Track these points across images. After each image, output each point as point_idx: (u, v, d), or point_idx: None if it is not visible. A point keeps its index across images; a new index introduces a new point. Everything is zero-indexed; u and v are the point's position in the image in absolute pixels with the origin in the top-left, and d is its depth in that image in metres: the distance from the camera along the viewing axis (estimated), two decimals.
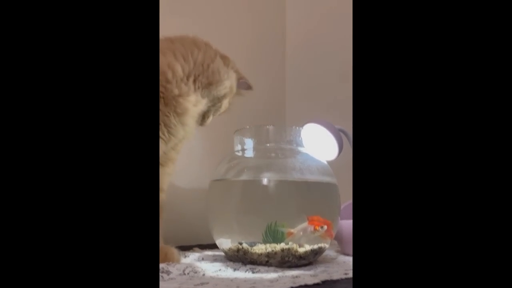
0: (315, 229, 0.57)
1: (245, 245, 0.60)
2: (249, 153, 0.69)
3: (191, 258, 0.67)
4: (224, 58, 0.68)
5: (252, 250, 0.59)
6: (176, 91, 0.60)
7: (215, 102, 0.66)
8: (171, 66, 0.60)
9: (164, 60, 0.60)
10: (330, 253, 0.75)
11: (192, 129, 0.64)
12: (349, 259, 0.68)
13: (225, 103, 0.68)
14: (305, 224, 0.58)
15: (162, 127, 0.60)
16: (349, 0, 1.10)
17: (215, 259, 0.66)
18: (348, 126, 0.85)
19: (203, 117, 0.67)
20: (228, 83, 0.66)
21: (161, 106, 0.59)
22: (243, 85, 0.71)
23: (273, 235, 0.60)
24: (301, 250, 0.59)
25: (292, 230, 0.58)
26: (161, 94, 0.59)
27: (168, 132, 0.61)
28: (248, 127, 0.74)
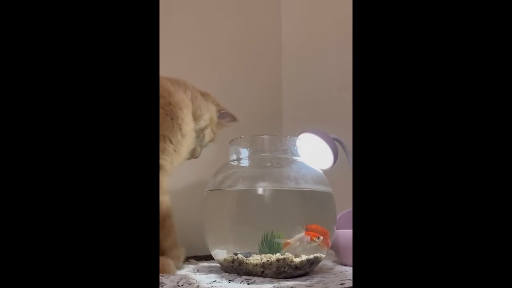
0: (311, 240, 0.57)
1: (240, 256, 0.59)
2: (245, 163, 0.69)
3: (186, 269, 0.66)
4: (204, 95, 0.75)
5: (248, 261, 0.58)
6: (189, 126, 0.67)
7: (198, 134, 0.73)
8: (185, 102, 0.67)
9: (179, 96, 0.67)
10: (327, 263, 0.75)
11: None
12: (346, 269, 0.67)
13: (208, 133, 0.74)
14: (301, 235, 0.58)
15: (171, 152, 0.65)
16: (345, 9, 1.11)
17: (210, 270, 0.65)
18: (344, 135, 0.85)
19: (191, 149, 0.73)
20: (208, 115, 0.73)
21: (179, 136, 0.65)
22: (225, 115, 0.78)
23: (269, 245, 0.60)
24: (297, 260, 0.58)
25: (289, 240, 0.58)
26: (179, 126, 0.65)
27: (174, 154, 0.66)
28: (243, 136, 0.74)
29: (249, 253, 0.60)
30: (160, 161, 0.63)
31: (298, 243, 0.58)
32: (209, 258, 0.73)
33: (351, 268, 0.68)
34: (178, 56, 0.95)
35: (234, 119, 0.78)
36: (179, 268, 0.65)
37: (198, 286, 0.52)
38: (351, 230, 0.70)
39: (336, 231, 0.71)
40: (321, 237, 0.58)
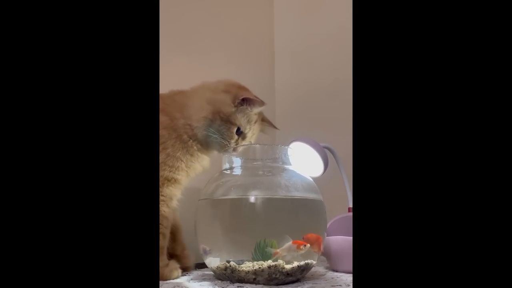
0: (298, 248, 0.59)
1: (232, 263, 0.60)
2: (237, 171, 0.70)
3: (180, 277, 0.67)
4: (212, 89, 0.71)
5: (240, 268, 0.59)
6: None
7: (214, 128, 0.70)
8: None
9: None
10: (319, 269, 0.76)
11: None
12: (338, 275, 0.68)
13: (225, 127, 0.68)
14: (289, 244, 0.60)
15: (184, 168, 0.68)
16: (338, 18, 1.13)
17: (204, 278, 0.66)
18: (337, 142, 0.87)
19: None
20: (208, 111, 0.68)
21: (188, 156, 0.69)
22: (254, 102, 0.69)
23: (262, 253, 0.61)
24: (288, 266, 0.59)
25: (277, 250, 0.59)
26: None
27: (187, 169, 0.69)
28: (236, 145, 0.75)
29: (241, 260, 0.61)
30: (174, 175, 0.67)
31: (286, 252, 0.59)
32: (203, 266, 0.73)
33: (343, 274, 0.69)
34: (170, 63, 0.97)
35: (261, 103, 0.69)
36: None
37: None
38: (342, 237, 0.72)
39: (328, 237, 0.72)
40: (308, 245, 0.59)
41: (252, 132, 0.70)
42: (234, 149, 0.68)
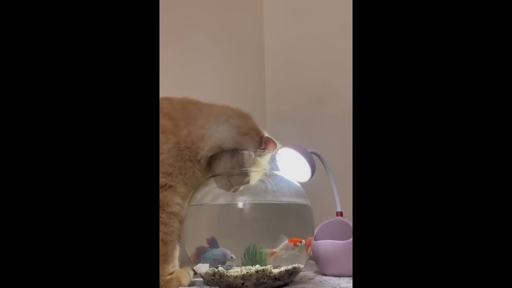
0: (295, 245, 0.60)
1: (221, 269, 0.61)
2: None
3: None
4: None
5: (228, 273, 0.60)
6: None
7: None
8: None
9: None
10: (309, 273, 0.77)
11: None
12: (326, 279, 0.69)
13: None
14: (285, 242, 0.61)
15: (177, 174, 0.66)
16: (328, 25, 1.14)
17: (193, 284, 0.66)
18: (325, 147, 0.88)
19: None
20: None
21: (189, 163, 0.68)
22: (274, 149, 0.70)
23: (251, 257, 0.62)
24: (276, 271, 0.60)
25: (274, 250, 0.60)
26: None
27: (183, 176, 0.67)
28: (224, 151, 0.76)
29: (230, 265, 0.62)
30: (168, 182, 0.65)
31: (283, 251, 0.60)
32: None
33: (331, 278, 0.70)
34: (160, 70, 0.98)
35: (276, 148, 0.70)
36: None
37: None
38: (331, 241, 0.72)
39: (316, 241, 0.73)
40: (303, 241, 0.61)
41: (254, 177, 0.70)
42: (235, 190, 0.67)
